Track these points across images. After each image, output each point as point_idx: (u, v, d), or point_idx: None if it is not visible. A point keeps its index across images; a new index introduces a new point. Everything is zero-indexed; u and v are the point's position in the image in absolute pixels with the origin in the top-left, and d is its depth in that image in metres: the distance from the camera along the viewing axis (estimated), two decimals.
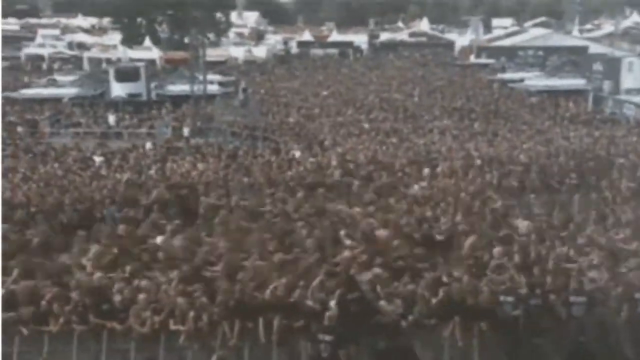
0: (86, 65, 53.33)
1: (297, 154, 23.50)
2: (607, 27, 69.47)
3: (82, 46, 62.97)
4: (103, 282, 10.53)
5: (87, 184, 18.23)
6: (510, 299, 9.82)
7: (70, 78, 46.15)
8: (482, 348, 9.68)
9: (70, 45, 63.67)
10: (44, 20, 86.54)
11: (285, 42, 69.04)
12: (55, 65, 55.92)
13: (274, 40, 70.85)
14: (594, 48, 52.06)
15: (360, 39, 69.11)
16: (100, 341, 9.83)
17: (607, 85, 37.28)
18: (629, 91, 36.03)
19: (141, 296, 10.03)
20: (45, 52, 60.57)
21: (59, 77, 47.15)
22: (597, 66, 39.54)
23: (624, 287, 9.88)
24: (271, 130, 30.98)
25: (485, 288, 9.97)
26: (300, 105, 36.90)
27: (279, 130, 30.64)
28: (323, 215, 13.70)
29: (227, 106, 36.75)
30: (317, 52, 64.15)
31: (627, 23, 68.43)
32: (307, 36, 70.71)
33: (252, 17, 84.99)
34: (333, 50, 64.30)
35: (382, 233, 12.24)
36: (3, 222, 13.44)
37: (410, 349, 9.63)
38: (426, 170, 17.62)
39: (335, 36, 71.27)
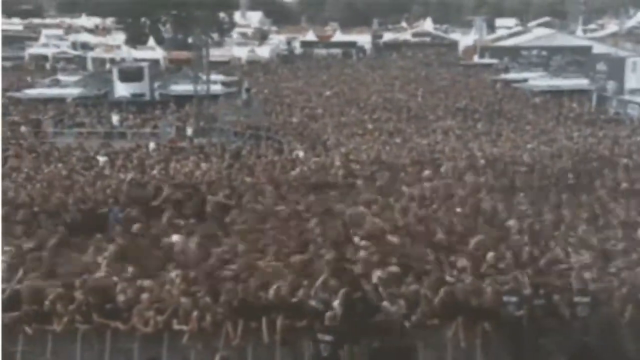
0: (90, 65, 53.31)
1: (301, 154, 23.36)
2: (611, 27, 69.00)
3: (85, 46, 62.90)
4: (107, 281, 10.53)
5: (91, 184, 17.95)
6: (514, 299, 9.75)
7: (74, 78, 45.98)
8: (486, 348, 9.62)
9: (74, 45, 63.53)
10: (47, 20, 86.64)
11: (289, 42, 68.90)
12: (59, 65, 55.82)
13: (277, 40, 70.58)
14: (598, 48, 51.81)
15: (363, 39, 68.88)
16: (104, 340, 9.81)
17: (610, 85, 37.22)
18: (633, 91, 35.96)
19: (144, 296, 10.02)
20: (48, 52, 60.48)
21: (62, 77, 47.07)
22: (601, 66, 39.44)
23: (628, 287, 9.86)
24: (274, 130, 30.90)
25: (489, 288, 9.91)
26: (303, 105, 36.86)
27: (282, 130, 30.57)
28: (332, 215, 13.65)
29: (231, 106, 36.73)
30: (321, 52, 64.04)
31: (631, 23, 68.02)
32: (310, 36, 70.50)
33: (255, 17, 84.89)
34: (336, 50, 64.17)
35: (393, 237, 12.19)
36: (6, 222, 13.39)
37: (413, 349, 9.58)
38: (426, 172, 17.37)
39: (339, 36, 70.95)
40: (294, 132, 30.03)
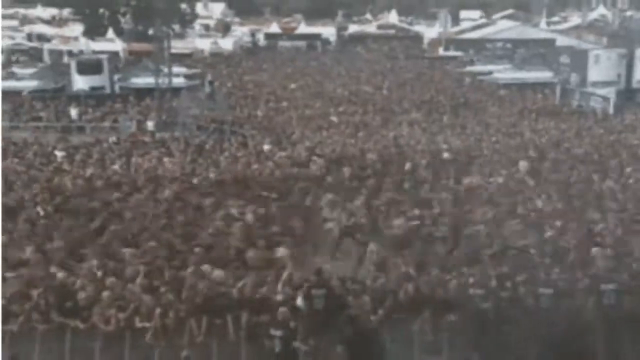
0: (46, 58, 51.98)
1: (266, 147, 23.43)
2: (574, 19, 70.06)
3: (42, 38, 61.16)
4: (66, 279, 10.26)
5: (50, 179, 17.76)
6: (480, 291, 9.69)
7: (30, 71, 45.05)
8: (452, 342, 9.58)
9: (29, 37, 61.90)
10: (1, 11, 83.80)
11: (253, 34, 68.21)
12: (14, 58, 54.42)
13: (240, 32, 69.87)
14: (561, 40, 52.46)
15: (328, 31, 68.64)
16: (64, 340, 9.53)
17: (574, 77, 37.57)
18: (595, 84, 36.34)
19: (105, 293, 9.80)
20: (3, 43, 58.80)
21: (18, 70, 45.91)
22: (565, 59, 39.86)
23: (590, 279, 9.89)
24: (239, 124, 30.79)
25: (454, 281, 9.91)
26: (268, 99, 36.80)
27: (247, 124, 30.48)
28: None
29: (193, 99, 36.38)
30: (285, 44, 63.63)
31: (593, 15, 69.10)
32: (274, 28, 69.98)
33: (218, 8, 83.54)
34: (301, 43, 63.80)
35: None
36: None
37: (380, 343, 9.48)
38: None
39: (303, 28, 70.63)
40: (258, 125, 29.97)
